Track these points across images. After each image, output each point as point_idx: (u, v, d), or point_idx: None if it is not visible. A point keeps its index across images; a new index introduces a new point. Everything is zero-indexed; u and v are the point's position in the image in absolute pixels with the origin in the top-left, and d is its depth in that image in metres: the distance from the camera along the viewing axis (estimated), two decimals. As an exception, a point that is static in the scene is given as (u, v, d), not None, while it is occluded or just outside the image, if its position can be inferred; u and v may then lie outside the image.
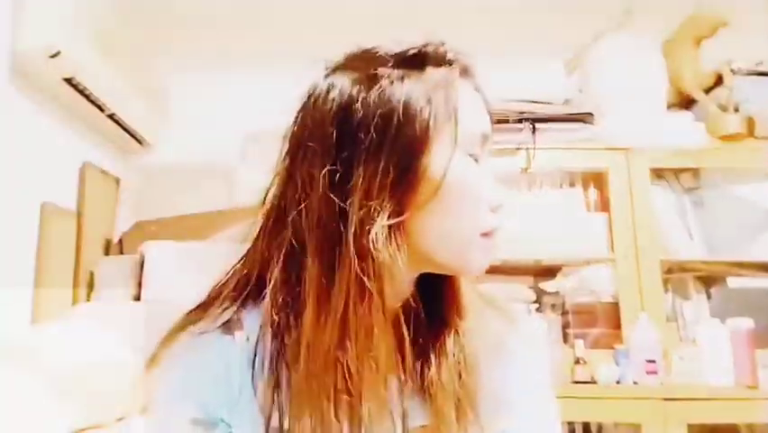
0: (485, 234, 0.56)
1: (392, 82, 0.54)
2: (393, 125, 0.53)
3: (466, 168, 0.55)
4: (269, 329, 0.55)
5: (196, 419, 0.54)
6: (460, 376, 0.57)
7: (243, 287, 0.59)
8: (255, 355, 0.55)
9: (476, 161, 0.57)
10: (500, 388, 0.59)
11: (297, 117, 0.58)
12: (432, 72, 0.56)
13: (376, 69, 0.55)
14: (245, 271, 0.60)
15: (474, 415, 0.57)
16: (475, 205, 0.56)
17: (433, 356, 0.58)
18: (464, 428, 0.56)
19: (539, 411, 0.62)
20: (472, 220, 0.55)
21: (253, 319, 0.57)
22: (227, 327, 0.57)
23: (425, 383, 0.57)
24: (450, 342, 0.58)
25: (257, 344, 0.56)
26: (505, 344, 0.62)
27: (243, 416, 0.55)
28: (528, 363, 0.63)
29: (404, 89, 0.54)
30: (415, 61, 0.57)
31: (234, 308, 0.59)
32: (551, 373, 0.66)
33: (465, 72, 0.60)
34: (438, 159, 0.53)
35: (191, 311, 0.60)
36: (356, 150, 0.53)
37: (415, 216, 0.53)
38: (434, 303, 0.61)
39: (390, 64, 0.56)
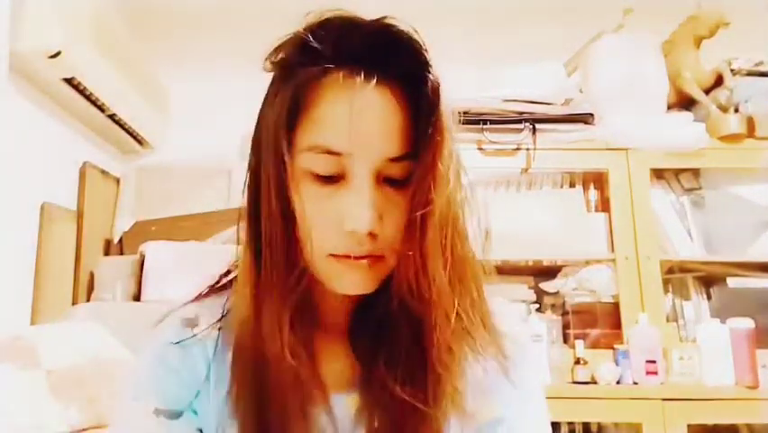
0: (335, 256, 0.52)
1: (273, 83, 0.55)
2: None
3: (304, 189, 0.52)
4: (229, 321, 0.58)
5: (158, 410, 0.56)
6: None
7: (219, 281, 0.63)
8: (217, 345, 0.58)
9: (342, 175, 0.51)
10: (487, 379, 0.57)
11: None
12: (299, 72, 0.52)
13: (277, 63, 0.54)
14: (227, 268, 0.63)
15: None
16: (315, 225, 0.52)
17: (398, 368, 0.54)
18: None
19: (529, 404, 0.61)
20: (318, 242, 0.52)
21: (218, 310, 0.60)
22: (190, 320, 0.59)
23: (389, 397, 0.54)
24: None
25: (218, 334, 0.58)
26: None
27: (209, 404, 0.57)
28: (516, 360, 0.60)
29: (271, 90, 0.54)
30: (303, 55, 0.52)
31: (199, 301, 0.61)
32: (544, 372, 0.66)
33: (356, 74, 0.51)
34: (268, 173, 0.53)
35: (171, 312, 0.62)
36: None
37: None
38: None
39: (289, 56, 0.53)
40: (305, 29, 0.52)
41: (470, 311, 0.54)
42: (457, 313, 0.53)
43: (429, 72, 0.51)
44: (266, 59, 0.54)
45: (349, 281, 0.53)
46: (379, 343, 0.56)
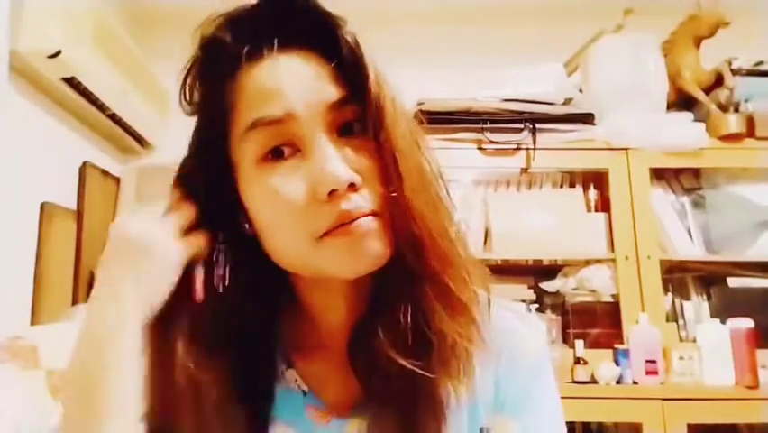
0: (330, 233, 0.47)
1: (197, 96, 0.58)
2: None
3: (257, 172, 0.49)
4: None
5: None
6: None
7: None
8: None
9: (297, 151, 0.49)
10: (505, 389, 0.56)
11: None
12: (212, 74, 0.52)
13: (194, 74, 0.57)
14: None
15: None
16: (282, 214, 0.48)
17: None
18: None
19: (546, 412, 0.59)
20: (294, 231, 0.48)
21: None
22: None
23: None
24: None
25: None
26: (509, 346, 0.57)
27: None
28: (533, 362, 0.59)
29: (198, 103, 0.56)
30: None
31: None
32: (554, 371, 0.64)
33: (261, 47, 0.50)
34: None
35: None
36: None
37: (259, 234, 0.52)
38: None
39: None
40: (206, 33, 0.52)
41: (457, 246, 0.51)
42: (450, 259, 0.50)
43: (330, 23, 0.50)
44: (182, 80, 0.55)
45: (358, 253, 0.47)
46: (377, 357, 0.50)
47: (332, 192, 0.46)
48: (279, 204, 0.48)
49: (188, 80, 0.54)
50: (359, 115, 0.49)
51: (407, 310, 0.49)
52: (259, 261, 0.53)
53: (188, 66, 0.53)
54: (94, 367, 0.47)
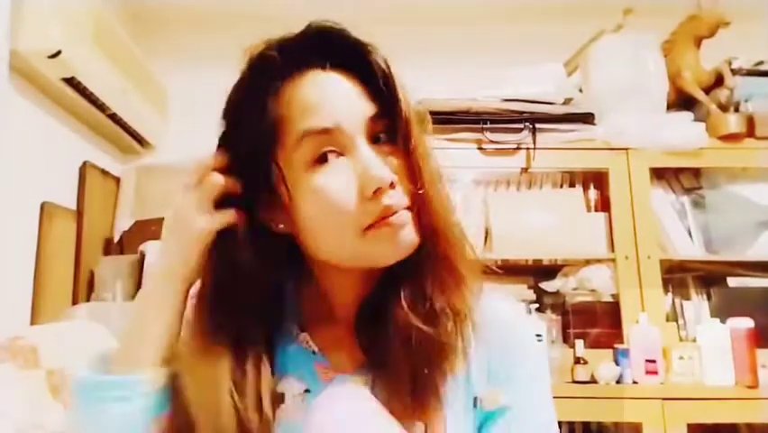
0: (374, 226, 0.55)
1: (240, 105, 0.63)
2: None
3: (307, 175, 0.56)
4: None
5: None
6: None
7: None
8: None
9: (339, 155, 0.56)
10: (493, 367, 0.61)
11: None
12: (264, 86, 0.58)
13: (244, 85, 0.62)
14: None
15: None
16: (333, 211, 0.55)
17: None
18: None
19: (534, 387, 0.64)
20: (340, 224, 0.56)
21: None
22: None
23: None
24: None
25: None
26: (500, 321, 0.63)
27: None
28: (520, 338, 0.65)
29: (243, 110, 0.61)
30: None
31: None
32: (545, 354, 0.69)
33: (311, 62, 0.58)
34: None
35: None
36: None
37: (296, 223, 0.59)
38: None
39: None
40: (254, 52, 0.60)
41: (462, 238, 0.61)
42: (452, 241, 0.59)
43: (366, 48, 0.58)
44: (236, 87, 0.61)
45: (398, 241, 0.56)
46: (381, 331, 0.59)
47: (377, 190, 0.54)
48: (330, 202, 0.55)
49: (236, 94, 0.61)
50: (388, 126, 0.58)
51: (425, 284, 0.58)
52: (280, 249, 0.61)
53: (238, 81, 0.61)
54: (140, 303, 0.62)
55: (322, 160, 0.56)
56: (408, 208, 0.57)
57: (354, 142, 0.56)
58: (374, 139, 0.58)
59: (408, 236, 0.56)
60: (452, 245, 0.59)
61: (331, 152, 0.56)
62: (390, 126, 0.58)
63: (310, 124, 0.55)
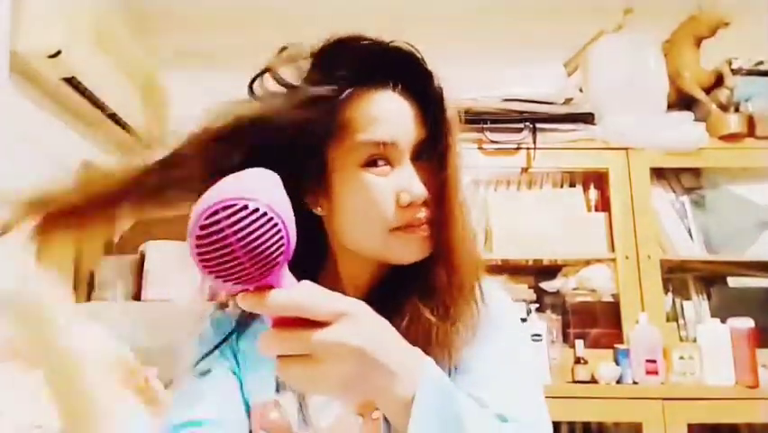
0: (398, 229, 0.65)
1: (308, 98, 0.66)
2: None
3: (360, 173, 0.65)
4: None
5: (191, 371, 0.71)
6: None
7: None
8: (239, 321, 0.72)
9: (387, 164, 0.65)
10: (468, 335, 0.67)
11: None
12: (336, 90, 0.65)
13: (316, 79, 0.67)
14: None
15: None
16: (372, 208, 0.65)
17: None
18: None
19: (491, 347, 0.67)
20: (375, 220, 0.65)
21: None
22: (222, 303, 0.76)
23: None
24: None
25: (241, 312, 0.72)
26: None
27: (244, 365, 0.72)
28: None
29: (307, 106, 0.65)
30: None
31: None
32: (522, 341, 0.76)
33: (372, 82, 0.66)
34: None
35: None
36: None
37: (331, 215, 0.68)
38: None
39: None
40: (323, 56, 0.67)
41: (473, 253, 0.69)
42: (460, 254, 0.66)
43: (432, 78, 0.67)
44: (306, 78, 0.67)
45: (415, 248, 0.66)
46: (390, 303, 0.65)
47: (411, 203, 0.65)
48: (374, 200, 0.65)
49: (297, 92, 0.66)
50: (429, 147, 0.67)
51: (435, 284, 0.66)
52: (311, 229, 0.68)
53: (302, 80, 0.67)
54: None
55: (372, 163, 0.65)
56: (430, 222, 0.66)
57: (403, 158, 0.66)
58: (417, 156, 0.67)
59: (423, 246, 0.66)
60: (460, 255, 0.66)
61: (381, 159, 0.65)
62: (433, 147, 0.67)
63: (373, 135, 0.65)
